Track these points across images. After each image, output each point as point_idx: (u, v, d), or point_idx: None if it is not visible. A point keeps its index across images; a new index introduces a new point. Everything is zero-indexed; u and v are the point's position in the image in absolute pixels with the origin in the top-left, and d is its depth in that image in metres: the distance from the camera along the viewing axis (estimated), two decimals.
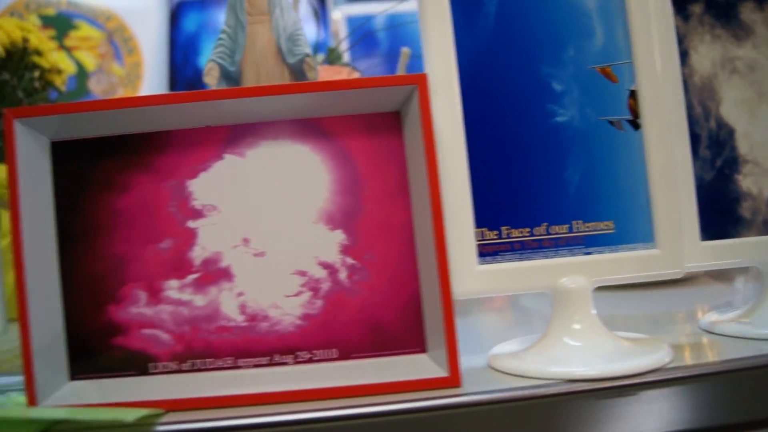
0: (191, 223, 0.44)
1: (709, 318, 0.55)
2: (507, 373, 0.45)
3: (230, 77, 0.57)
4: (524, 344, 0.49)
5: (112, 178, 0.45)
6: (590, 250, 0.47)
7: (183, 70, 1.59)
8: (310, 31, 1.56)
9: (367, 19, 1.63)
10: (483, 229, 0.47)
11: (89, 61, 1.53)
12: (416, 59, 0.80)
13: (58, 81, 0.98)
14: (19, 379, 0.43)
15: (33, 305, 0.43)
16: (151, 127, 0.44)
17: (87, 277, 0.45)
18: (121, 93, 1.52)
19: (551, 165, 0.47)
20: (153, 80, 1.57)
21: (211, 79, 0.56)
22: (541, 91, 0.47)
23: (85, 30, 1.54)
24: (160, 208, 0.44)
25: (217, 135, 0.45)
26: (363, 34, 1.59)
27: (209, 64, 0.57)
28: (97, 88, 1.54)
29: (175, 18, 1.60)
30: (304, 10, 1.54)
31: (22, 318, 0.42)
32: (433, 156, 0.42)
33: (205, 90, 0.44)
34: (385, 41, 1.66)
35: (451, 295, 0.42)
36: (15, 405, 0.44)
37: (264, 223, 0.44)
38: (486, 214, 0.46)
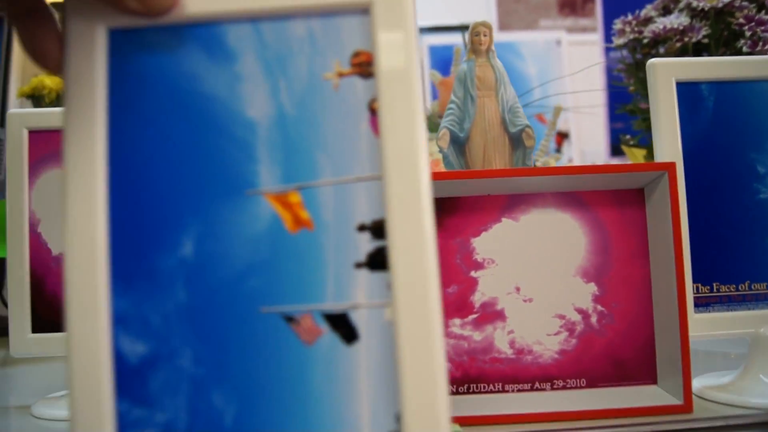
0: (473, 273, 0.55)
1: None
2: (716, 402, 0.56)
3: (458, 141, 0.67)
4: (719, 378, 0.59)
5: None
6: (754, 306, 0.57)
7: None
8: None
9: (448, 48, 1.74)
10: (698, 284, 0.57)
11: None
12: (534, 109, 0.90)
13: None
14: None
15: None
16: (444, 194, 0.55)
17: None
18: None
19: (754, 233, 0.58)
20: None
21: (444, 143, 0.67)
22: (748, 173, 0.58)
23: None
24: (449, 260, 0.55)
25: (497, 202, 0.55)
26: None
27: (442, 130, 0.67)
28: None
29: None
30: None
31: None
32: (679, 228, 0.53)
33: (490, 170, 0.54)
34: None
35: (688, 335, 0.53)
36: None
37: (532, 275, 0.55)
38: (701, 272, 0.57)
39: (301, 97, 0.33)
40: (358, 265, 0.32)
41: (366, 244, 0.32)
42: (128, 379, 0.32)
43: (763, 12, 0.82)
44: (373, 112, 0.33)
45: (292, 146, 0.33)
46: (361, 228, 0.32)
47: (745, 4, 0.83)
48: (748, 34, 0.81)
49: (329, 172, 0.32)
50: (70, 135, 0.33)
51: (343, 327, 0.32)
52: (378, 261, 0.32)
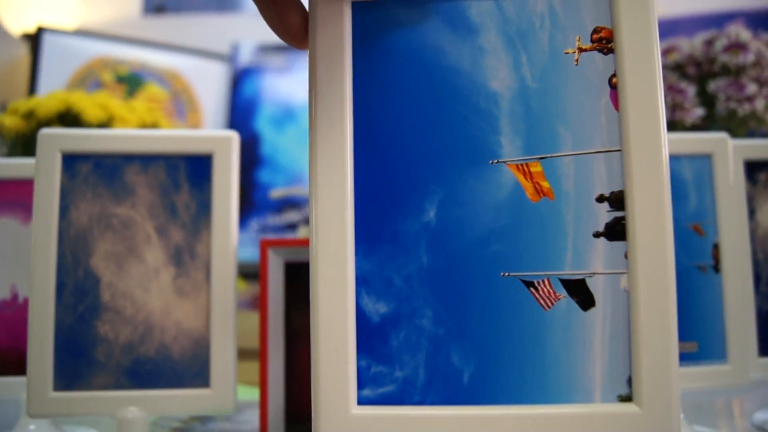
0: None
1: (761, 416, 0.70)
2: None
3: None
4: None
5: None
6: (681, 364, 0.62)
7: (240, 130, 1.73)
8: None
9: None
10: None
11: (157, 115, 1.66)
12: None
13: None
14: None
15: (269, 390, 0.56)
16: None
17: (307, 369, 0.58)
18: None
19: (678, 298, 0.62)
20: None
21: None
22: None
23: (153, 88, 1.68)
24: None
25: None
26: None
27: None
28: None
29: (236, 83, 1.74)
30: None
31: (262, 401, 0.56)
32: None
33: None
34: None
35: None
36: None
37: None
38: None
39: (542, 70, 0.34)
40: (597, 235, 0.33)
41: (604, 215, 0.33)
42: (369, 337, 0.33)
43: (684, 82, 0.88)
44: (613, 87, 0.34)
45: (534, 118, 0.34)
46: (600, 199, 0.33)
47: (666, 73, 0.89)
48: (668, 101, 0.87)
49: (569, 144, 0.34)
50: (318, 104, 0.34)
51: (581, 293, 0.33)
52: (616, 231, 0.33)
